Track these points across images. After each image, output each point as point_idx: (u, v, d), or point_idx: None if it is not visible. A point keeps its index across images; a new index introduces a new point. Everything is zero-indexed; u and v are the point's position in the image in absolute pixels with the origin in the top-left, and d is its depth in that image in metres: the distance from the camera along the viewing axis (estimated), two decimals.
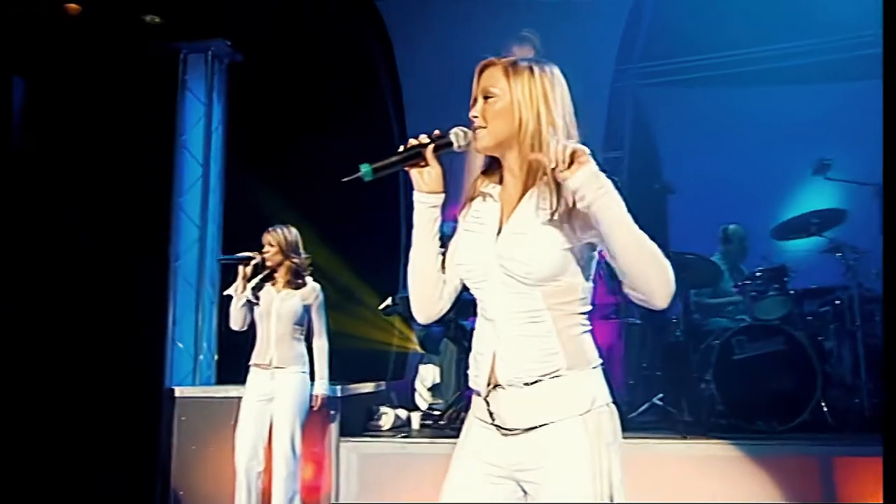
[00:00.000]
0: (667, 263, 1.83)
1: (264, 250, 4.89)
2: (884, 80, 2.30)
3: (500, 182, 2.11)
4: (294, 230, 4.95)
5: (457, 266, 2.11)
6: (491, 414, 1.97)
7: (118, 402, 6.73)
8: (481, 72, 2.06)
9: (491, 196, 2.10)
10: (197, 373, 7.26)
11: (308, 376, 4.95)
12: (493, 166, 2.13)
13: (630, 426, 5.96)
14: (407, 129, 8.43)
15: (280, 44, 7.95)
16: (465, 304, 2.19)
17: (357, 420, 6.19)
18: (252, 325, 4.88)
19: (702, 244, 6.46)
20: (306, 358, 4.95)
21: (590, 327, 1.99)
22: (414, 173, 2.11)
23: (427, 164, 2.10)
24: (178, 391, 6.38)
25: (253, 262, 4.83)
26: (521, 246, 1.96)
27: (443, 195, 2.12)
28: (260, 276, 4.87)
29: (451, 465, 2.04)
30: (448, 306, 2.16)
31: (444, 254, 2.14)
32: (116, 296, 6.84)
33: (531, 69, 2.02)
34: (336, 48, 8.19)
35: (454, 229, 2.16)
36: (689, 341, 6.03)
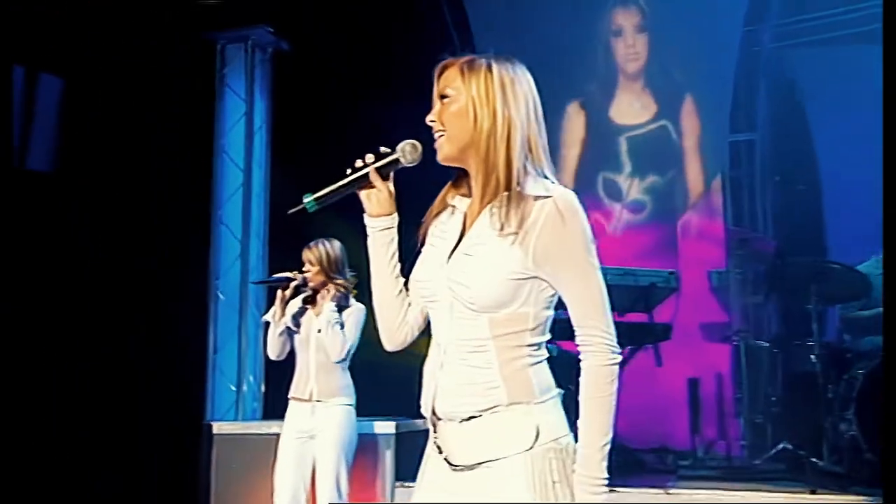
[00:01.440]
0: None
1: (304, 269, 4.57)
2: (884, 80, 2.29)
3: (468, 192, 2.05)
4: (338, 244, 4.60)
5: (414, 283, 2.08)
6: (438, 447, 1.96)
7: (151, 439, 6.37)
8: (440, 74, 2.00)
9: (457, 209, 2.05)
10: (240, 406, 6.90)
11: (354, 410, 4.58)
12: (463, 176, 2.05)
13: (751, 474, 5.48)
14: None
15: (332, 29, 7.28)
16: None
17: (415, 461, 5.36)
18: (293, 354, 4.63)
19: (862, 247, 5.64)
20: (352, 389, 4.58)
21: (542, 358, 1.91)
22: (362, 196, 2.06)
23: (373, 187, 2.05)
24: (217, 427, 6.04)
25: (293, 283, 4.51)
26: (468, 269, 1.90)
27: (394, 216, 2.09)
28: (300, 298, 4.58)
29: (412, 496, 2.07)
30: (416, 331, 2.12)
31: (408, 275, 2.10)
32: (150, 319, 6.43)
33: (489, 66, 1.95)
34: (402, 35, 7.35)
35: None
36: (828, 369, 5.26)
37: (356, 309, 4.54)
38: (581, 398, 1.82)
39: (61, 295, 6.07)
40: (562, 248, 1.83)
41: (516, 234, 1.86)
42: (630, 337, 5.74)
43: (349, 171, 2.01)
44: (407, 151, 2.03)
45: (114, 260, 6.39)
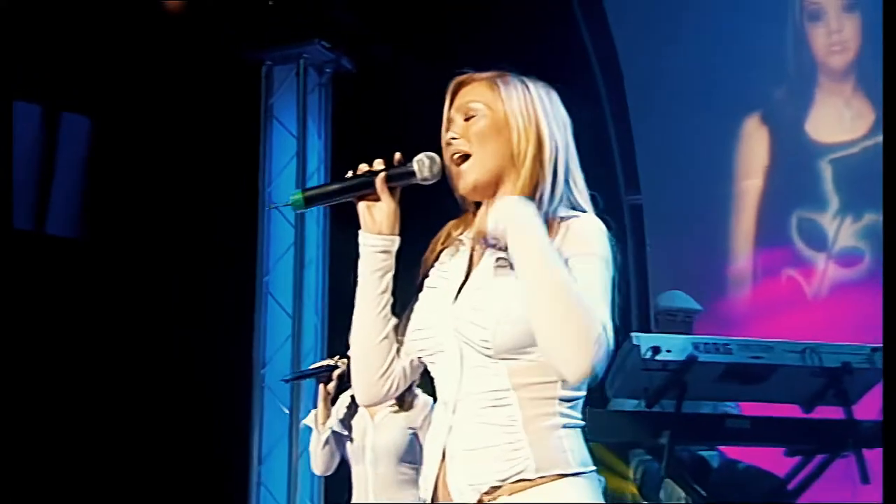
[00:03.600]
0: (590, 326, 1.66)
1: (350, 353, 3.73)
2: (884, 79, 2.28)
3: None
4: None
5: (411, 333, 1.87)
6: None
7: None
8: (456, 91, 1.87)
9: (463, 244, 1.88)
10: None
11: None
12: (474, 209, 1.90)
13: None
14: (637, 156, 6.33)
15: (410, 43, 5.92)
16: None
17: None
18: (345, 466, 4.19)
19: None
20: None
21: (577, 421, 1.77)
22: (362, 208, 1.85)
23: (378, 198, 1.84)
24: None
25: (337, 372, 4.03)
26: (481, 305, 1.74)
27: (395, 239, 1.85)
28: (349, 394, 4.06)
29: None
30: (401, 385, 1.91)
31: (400, 316, 1.90)
32: (183, 422, 5.65)
33: (524, 82, 1.85)
34: (508, 48, 5.73)
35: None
36: None
37: (424, 403, 4.11)
38: None
39: (92, 380, 5.55)
40: (575, 249, 1.72)
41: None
42: (818, 440, 4.28)
43: (351, 173, 1.84)
44: (425, 165, 1.84)
45: (143, 338, 5.73)
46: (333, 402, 4.18)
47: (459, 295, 1.80)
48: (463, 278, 1.82)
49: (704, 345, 3.92)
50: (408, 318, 1.88)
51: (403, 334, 1.89)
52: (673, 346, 3.54)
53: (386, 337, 1.88)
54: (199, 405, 5.64)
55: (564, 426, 1.73)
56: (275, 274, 6.25)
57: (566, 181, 1.79)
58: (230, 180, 5.89)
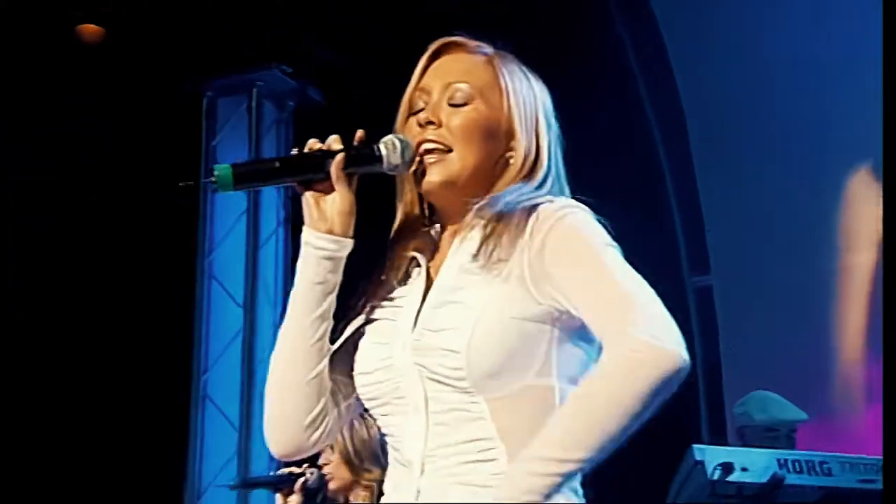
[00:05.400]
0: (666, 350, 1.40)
1: (321, 461, 3.72)
2: (884, 80, 2.19)
3: (438, 237, 1.62)
4: (371, 421, 3.50)
5: (357, 378, 1.59)
6: None
7: None
8: (438, 54, 1.60)
9: (417, 263, 1.60)
10: None
11: None
12: (424, 215, 1.63)
13: None
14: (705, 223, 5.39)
15: (397, 66, 4.59)
16: None
17: None
18: None
19: None
20: None
21: (575, 485, 1.54)
22: (308, 198, 1.54)
23: (331, 187, 1.54)
24: None
25: (302, 482, 3.51)
26: (446, 322, 1.47)
27: (347, 243, 1.55)
28: None
29: None
30: (331, 435, 1.64)
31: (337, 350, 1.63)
32: (115, 438, 5.15)
33: (526, 75, 1.61)
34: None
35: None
36: None
37: None
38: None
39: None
40: (562, 246, 1.46)
41: (507, 259, 1.50)
42: None
43: (296, 150, 1.52)
44: (396, 150, 1.55)
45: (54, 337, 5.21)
46: None
47: (418, 320, 1.53)
48: (420, 301, 1.56)
49: (793, 462, 3.38)
50: (348, 358, 1.61)
51: (344, 375, 1.63)
52: (751, 464, 3.06)
53: (319, 375, 1.61)
54: (123, 422, 5.03)
55: (564, 488, 1.44)
56: (221, 252, 5.34)
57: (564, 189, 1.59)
58: (162, 251, 5.08)
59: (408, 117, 1.56)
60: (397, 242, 1.62)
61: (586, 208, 1.49)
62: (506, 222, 1.48)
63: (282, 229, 5.33)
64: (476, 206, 1.51)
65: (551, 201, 1.49)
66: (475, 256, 1.49)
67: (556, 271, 1.44)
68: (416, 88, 1.58)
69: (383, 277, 1.61)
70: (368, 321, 1.59)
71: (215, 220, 5.47)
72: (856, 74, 4.82)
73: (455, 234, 1.56)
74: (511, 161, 1.55)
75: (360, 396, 1.61)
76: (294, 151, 1.54)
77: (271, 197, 5.24)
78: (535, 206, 1.48)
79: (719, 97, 5.28)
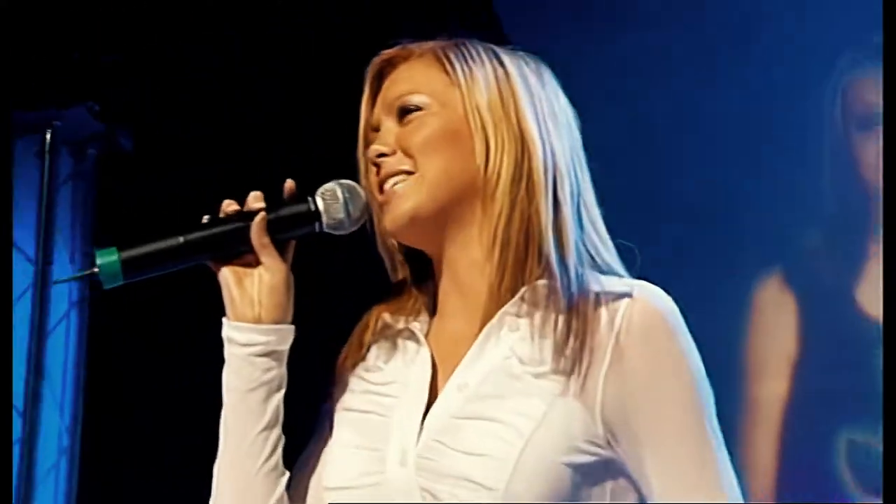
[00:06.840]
0: None
1: None
2: (884, 80, 2.18)
3: (433, 304, 1.36)
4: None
5: (328, 494, 1.31)
6: None
7: None
8: (380, 75, 1.37)
9: (411, 335, 1.33)
10: None
11: None
12: (413, 273, 1.39)
13: None
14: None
15: (219, 110, 3.90)
16: None
17: None
18: None
19: None
20: None
21: None
22: (226, 279, 1.31)
23: (256, 260, 1.31)
24: None
25: None
26: (474, 444, 1.19)
27: (287, 331, 1.30)
28: None
29: None
30: None
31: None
32: None
33: (495, 54, 1.33)
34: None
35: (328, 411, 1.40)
36: None
37: None
38: None
39: None
40: (653, 381, 1.21)
41: (574, 370, 1.20)
42: None
43: (207, 218, 1.32)
44: (337, 201, 1.32)
45: None
46: None
47: (425, 426, 1.23)
48: (425, 395, 1.27)
49: None
50: (309, 470, 1.34)
51: (304, 499, 1.35)
52: None
53: (273, 487, 1.32)
54: None
55: None
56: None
57: (577, 216, 1.24)
58: None
59: (368, 166, 1.36)
60: (379, 311, 1.38)
61: (675, 308, 1.27)
62: (579, 310, 1.20)
63: (74, 312, 4.28)
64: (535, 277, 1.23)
65: (630, 291, 1.23)
66: (525, 349, 1.21)
67: (635, 418, 1.21)
68: (364, 127, 1.39)
69: (364, 350, 1.36)
70: (344, 408, 1.32)
71: None
72: (764, 162, 4.18)
73: (464, 295, 1.28)
74: (489, 163, 1.28)
75: None
76: (205, 219, 1.33)
77: (64, 267, 4.16)
78: (611, 297, 1.22)
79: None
